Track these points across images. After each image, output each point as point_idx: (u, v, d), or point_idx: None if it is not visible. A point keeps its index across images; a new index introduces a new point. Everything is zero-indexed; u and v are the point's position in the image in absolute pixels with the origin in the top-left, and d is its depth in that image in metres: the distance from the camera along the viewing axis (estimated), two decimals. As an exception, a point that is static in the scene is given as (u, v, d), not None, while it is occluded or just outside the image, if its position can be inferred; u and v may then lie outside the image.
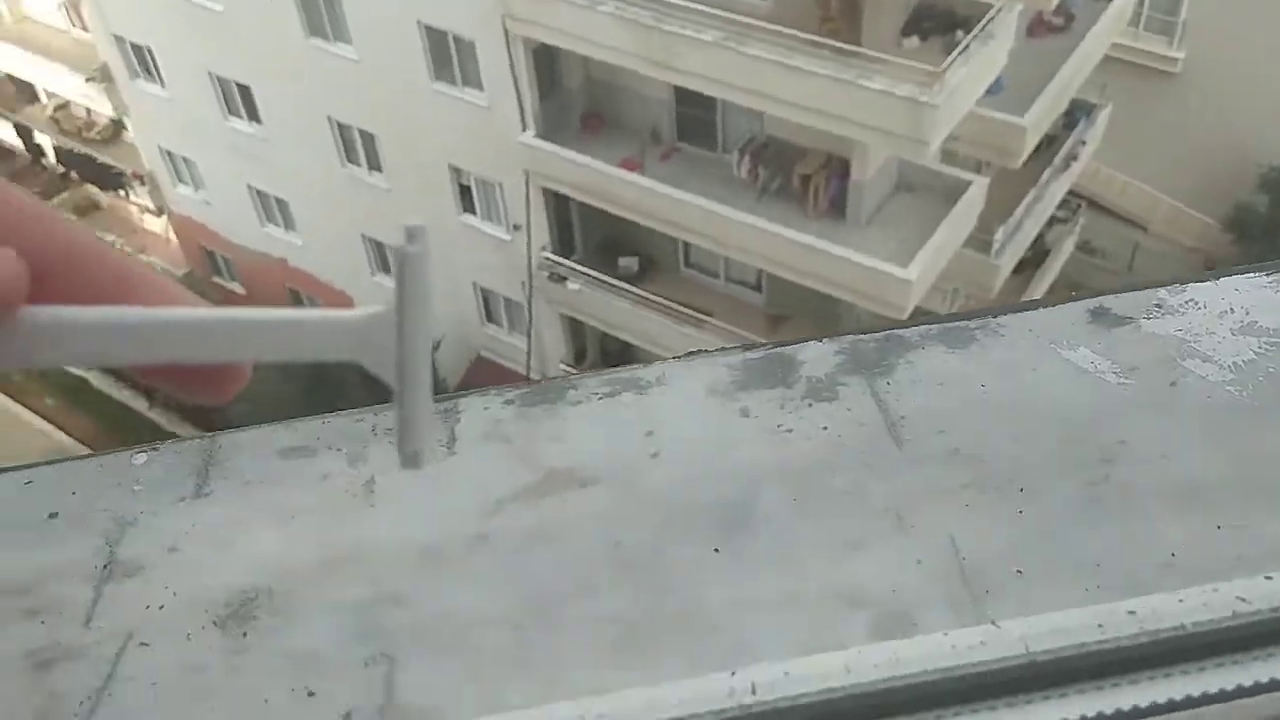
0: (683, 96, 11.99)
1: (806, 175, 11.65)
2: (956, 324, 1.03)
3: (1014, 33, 10.97)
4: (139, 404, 16.03)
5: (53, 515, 0.97)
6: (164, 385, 0.38)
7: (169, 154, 16.40)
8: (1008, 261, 12.78)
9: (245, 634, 0.88)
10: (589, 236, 13.61)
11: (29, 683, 0.87)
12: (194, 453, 1.00)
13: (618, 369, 1.05)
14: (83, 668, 0.87)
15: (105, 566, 0.93)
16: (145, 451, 1.02)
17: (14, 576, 0.92)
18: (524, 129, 12.27)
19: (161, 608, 0.90)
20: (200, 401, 0.39)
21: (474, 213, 13.74)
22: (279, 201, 15.64)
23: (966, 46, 10.25)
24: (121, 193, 18.49)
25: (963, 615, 0.86)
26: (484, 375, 14.43)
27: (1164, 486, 0.93)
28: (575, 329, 14.27)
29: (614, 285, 12.93)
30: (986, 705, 0.66)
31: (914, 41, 11.32)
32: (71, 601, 0.91)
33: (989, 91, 11.02)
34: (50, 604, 0.91)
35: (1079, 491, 0.92)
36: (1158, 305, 1.07)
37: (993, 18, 10.44)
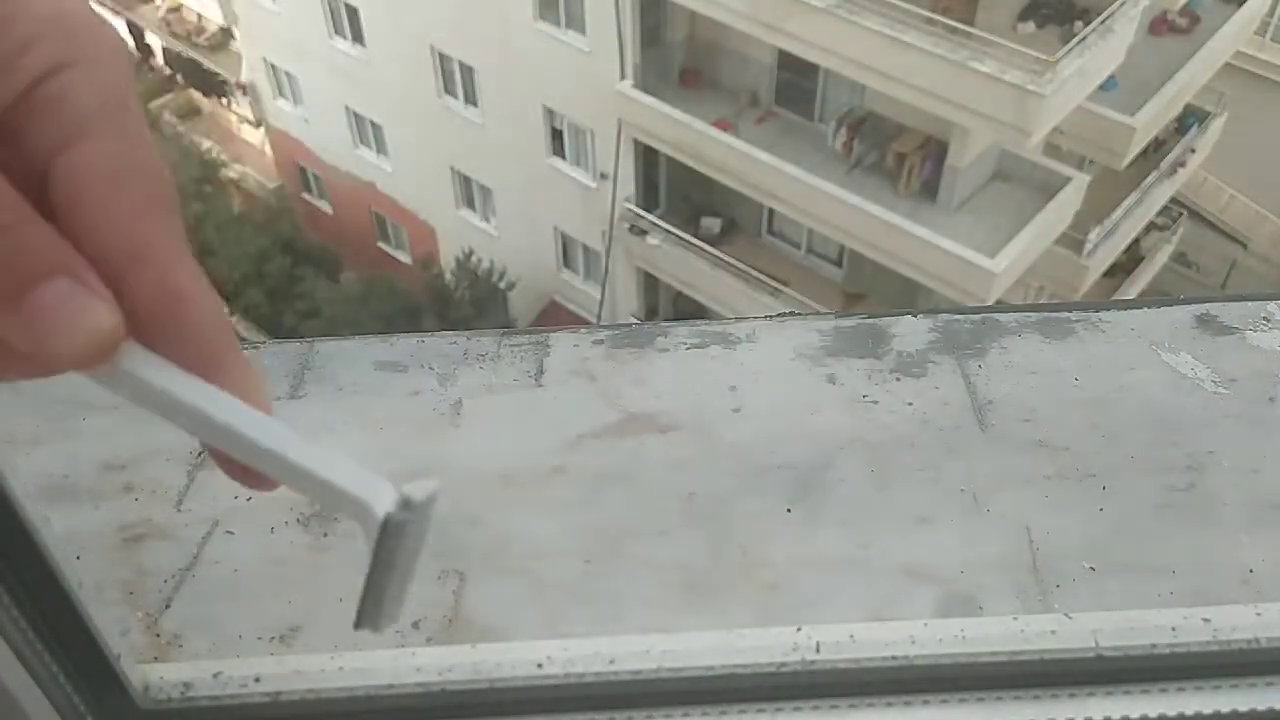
0: (785, 61, 11.82)
1: (902, 154, 11.44)
2: (1057, 314, 1.01)
3: (1135, 29, 10.61)
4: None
5: (154, 400, 1.01)
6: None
7: (272, 67, 16.63)
8: (1099, 263, 12.46)
9: (325, 534, 0.91)
10: (674, 193, 13.54)
11: (120, 555, 0.91)
12: (292, 355, 1.03)
13: (709, 321, 1.06)
14: (170, 547, 0.90)
15: (199, 455, 0.97)
16: (245, 349, 1.05)
17: (114, 453, 0.96)
18: (622, 78, 12.21)
19: (249, 500, 0.93)
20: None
21: (563, 157, 13.75)
22: (374, 125, 15.80)
23: (1084, 38, 9.94)
24: (223, 100, 18.81)
25: (1029, 604, 0.86)
26: (556, 320, 14.51)
27: (1250, 501, 0.92)
28: (649, 284, 14.24)
29: (694, 244, 12.87)
30: (1050, 693, 0.66)
31: (1029, 27, 11.02)
32: (165, 484, 0.95)
33: (1102, 87, 10.70)
34: (145, 483, 0.95)
35: (1162, 496, 0.91)
36: (1265, 319, 1.04)
37: (1115, 11, 10.10)
